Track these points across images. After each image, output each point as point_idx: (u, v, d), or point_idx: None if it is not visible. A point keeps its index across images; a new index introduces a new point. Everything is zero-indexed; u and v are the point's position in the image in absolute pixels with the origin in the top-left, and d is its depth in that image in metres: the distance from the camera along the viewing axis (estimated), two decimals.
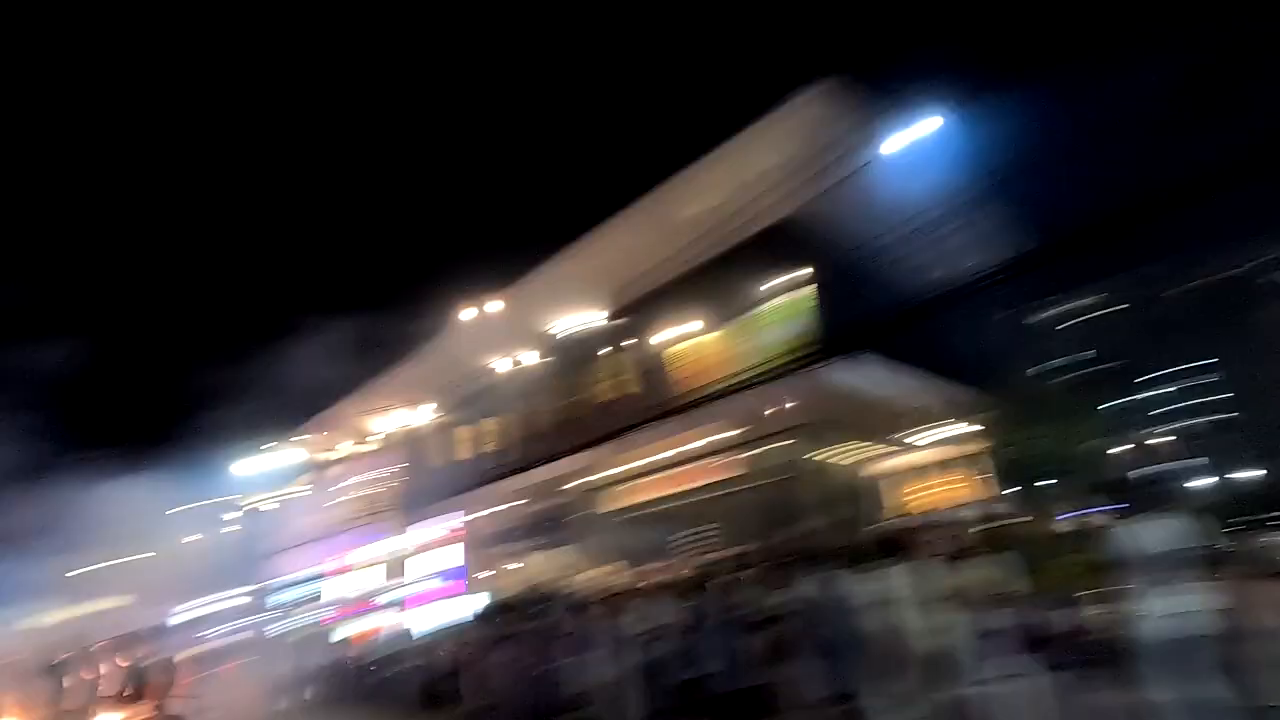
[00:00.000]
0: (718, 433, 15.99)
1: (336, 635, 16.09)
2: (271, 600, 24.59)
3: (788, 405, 15.46)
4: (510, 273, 17.69)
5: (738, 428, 15.91)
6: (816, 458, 15.69)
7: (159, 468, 24.64)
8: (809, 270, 15.57)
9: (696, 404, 15.22)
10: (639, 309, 17.39)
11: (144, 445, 24.21)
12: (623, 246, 15.70)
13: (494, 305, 17.70)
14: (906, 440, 17.58)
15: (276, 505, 28.27)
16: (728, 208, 13.96)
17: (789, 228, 13.82)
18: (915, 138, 12.17)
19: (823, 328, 14.96)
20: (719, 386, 15.16)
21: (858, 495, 15.69)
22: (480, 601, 14.50)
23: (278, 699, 14.32)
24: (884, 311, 12.59)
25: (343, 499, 20.34)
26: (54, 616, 23.74)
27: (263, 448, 24.40)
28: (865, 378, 15.43)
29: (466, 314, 17.79)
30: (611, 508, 17.36)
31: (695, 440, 16.43)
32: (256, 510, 28.90)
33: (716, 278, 15.59)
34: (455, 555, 16.93)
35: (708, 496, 16.14)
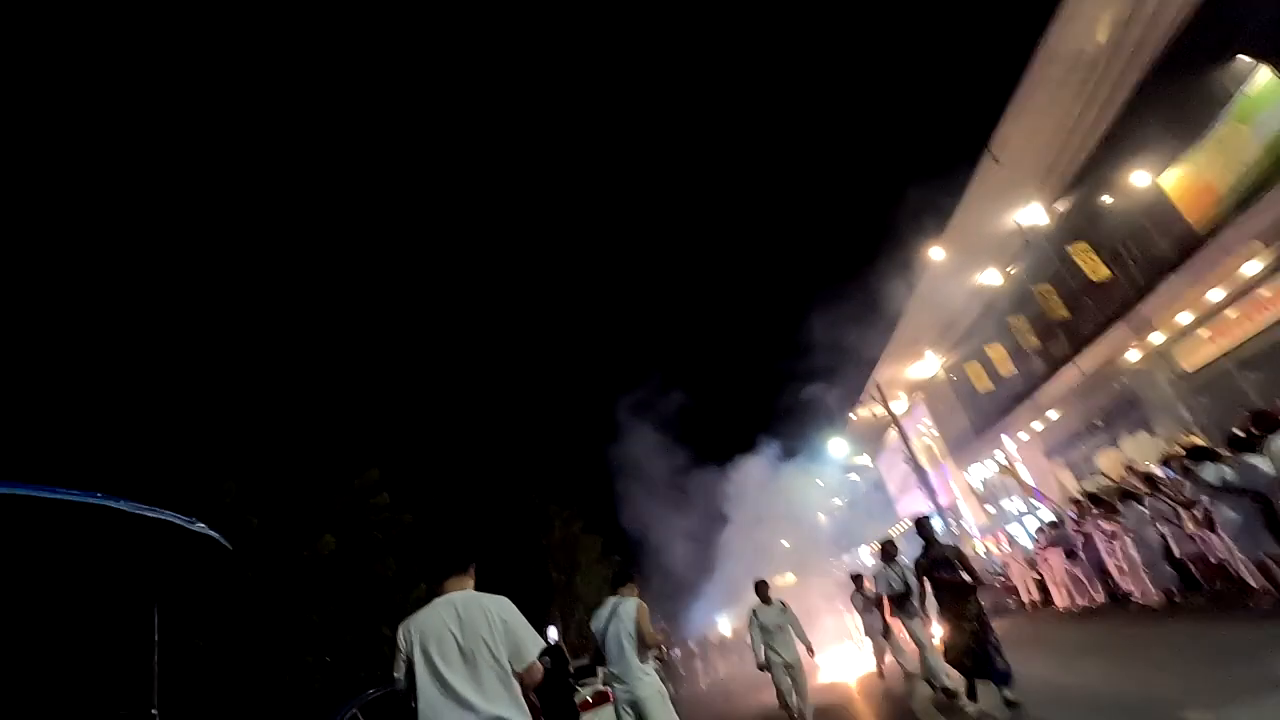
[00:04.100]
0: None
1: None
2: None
3: None
4: (950, 195, 18.09)
5: None
6: None
7: (787, 456, 32.54)
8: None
9: (1215, 232, 12.86)
10: (1093, 167, 15.56)
11: (761, 440, 32.34)
12: (1040, 111, 14.76)
13: (949, 235, 18.35)
14: None
15: (871, 464, 33.52)
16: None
17: None
18: None
19: None
20: (1239, 198, 12.47)
21: None
22: (1046, 515, 15.35)
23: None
24: None
25: (904, 453, 23.29)
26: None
27: (839, 421, 29.78)
28: None
29: (934, 253, 18.85)
30: (1180, 370, 15.63)
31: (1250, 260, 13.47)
32: (864, 470, 34.79)
33: (1161, 96, 12.91)
34: (1024, 477, 17.82)
35: None
